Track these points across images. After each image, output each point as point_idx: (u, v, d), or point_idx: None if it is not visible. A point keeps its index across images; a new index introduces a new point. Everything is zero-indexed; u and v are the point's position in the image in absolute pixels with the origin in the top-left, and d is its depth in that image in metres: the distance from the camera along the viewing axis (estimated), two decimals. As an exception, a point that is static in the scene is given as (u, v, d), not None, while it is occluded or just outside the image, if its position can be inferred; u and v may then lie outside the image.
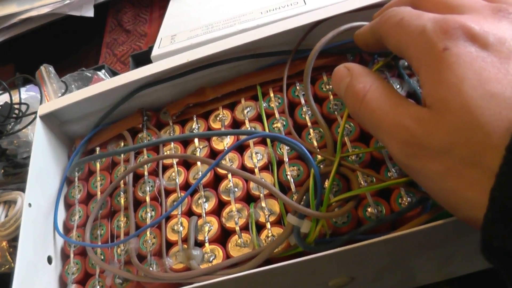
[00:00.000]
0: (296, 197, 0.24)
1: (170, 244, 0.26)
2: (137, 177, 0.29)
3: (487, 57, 0.16)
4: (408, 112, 0.17)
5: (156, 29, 0.54)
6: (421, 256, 0.24)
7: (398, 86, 0.26)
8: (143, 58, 0.46)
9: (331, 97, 0.27)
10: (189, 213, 0.26)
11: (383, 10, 0.22)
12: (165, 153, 0.29)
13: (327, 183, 0.23)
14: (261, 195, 0.25)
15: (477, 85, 0.15)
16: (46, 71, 0.42)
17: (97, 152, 0.31)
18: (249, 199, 0.26)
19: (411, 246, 0.22)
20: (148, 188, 0.28)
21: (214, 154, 0.28)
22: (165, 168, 0.29)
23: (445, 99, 0.16)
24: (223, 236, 0.25)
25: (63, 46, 0.59)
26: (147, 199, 0.27)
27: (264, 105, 0.29)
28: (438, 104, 0.16)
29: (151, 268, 0.25)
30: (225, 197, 0.26)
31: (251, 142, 0.27)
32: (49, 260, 0.28)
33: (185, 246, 0.25)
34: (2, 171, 0.38)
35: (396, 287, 0.28)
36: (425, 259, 0.25)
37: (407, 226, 0.21)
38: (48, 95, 0.41)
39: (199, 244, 0.25)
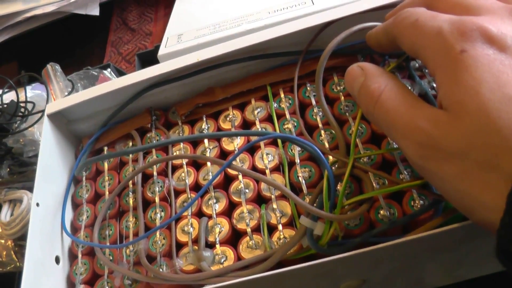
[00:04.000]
0: (308, 199, 0.24)
1: (180, 245, 0.25)
2: (146, 177, 0.29)
3: (505, 60, 0.16)
4: (424, 114, 0.17)
5: (161, 28, 0.54)
6: (432, 260, 0.24)
7: (409, 88, 0.26)
8: (149, 57, 0.46)
9: (342, 98, 0.27)
10: (199, 214, 0.26)
11: (396, 10, 0.22)
12: (175, 153, 0.29)
13: (339, 185, 0.23)
14: (273, 196, 0.25)
15: (495, 88, 0.15)
16: (53, 69, 0.42)
17: (105, 152, 0.31)
18: (260, 200, 0.26)
19: (423, 249, 0.22)
20: (157, 189, 0.28)
21: (224, 154, 0.28)
22: (175, 168, 0.28)
23: (462, 102, 0.16)
24: (234, 238, 0.25)
25: (68, 44, 0.59)
26: (157, 199, 0.27)
27: (275, 105, 0.28)
28: (455, 106, 0.16)
29: (161, 269, 0.25)
30: (235, 198, 0.26)
31: (262, 143, 0.27)
32: (57, 260, 0.28)
33: (196, 247, 0.25)
34: (8, 169, 0.38)
35: (406, 289, 0.28)
36: (436, 263, 0.25)
37: (420, 230, 0.21)
38: (55, 94, 0.41)
39: (210, 246, 0.25)
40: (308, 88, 0.28)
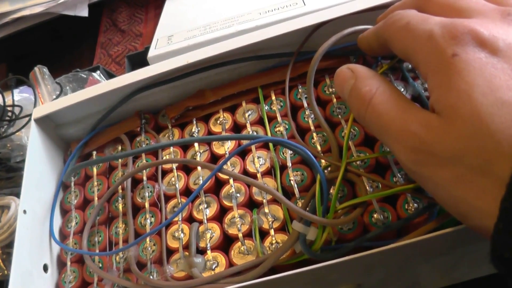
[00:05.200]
0: (301, 203, 0.23)
1: (170, 252, 0.25)
2: (136, 182, 0.28)
3: (497, 63, 0.16)
4: (416, 118, 0.17)
5: (151, 29, 0.53)
6: (427, 263, 0.24)
7: (402, 89, 0.26)
8: (139, 59, 0.45)
9: (334, 100, 0.27)
10: (190, 220, 0.26)
11: (387, 13, 0.22)
12: (165, 158, 0.28)
13: (332, 189, 0.23)
14: (264, 200, 0.25)
15: (487, 92, 0.15)
16: (40, 72, 0.41)
17: (94, 156, 0.30)
18: (251, 205, 0.25)
19: (418, 253, 0.22)
20: (147, 194, 0.27)
21: (215, 158, 0.28)
22: (165, 173, 0.28)
23: (455, 106, 0.16)
24: (226, 243, 0.25)
25: (56, 46, 0.58)
26: (146, 205, 0.27)
27: (266, 108, 0.28)
28: (447, 111, 0.16)
29: (151, 277, 0.24)
30: (227, 203, 0.25)
31: (253, 146, 0.26)
32: (45, 268, 0.27)
33: (187, 253, 0.24)
34: (-5, 175, 0.38)
35: (401, 293, 0.28)
36: (431, 266, 0.24)
37: (414, 234, 0.21)
38: (43, 97, 0.40)
39: (201, 252, 0.24)
40: (300, 90, 0.28)
